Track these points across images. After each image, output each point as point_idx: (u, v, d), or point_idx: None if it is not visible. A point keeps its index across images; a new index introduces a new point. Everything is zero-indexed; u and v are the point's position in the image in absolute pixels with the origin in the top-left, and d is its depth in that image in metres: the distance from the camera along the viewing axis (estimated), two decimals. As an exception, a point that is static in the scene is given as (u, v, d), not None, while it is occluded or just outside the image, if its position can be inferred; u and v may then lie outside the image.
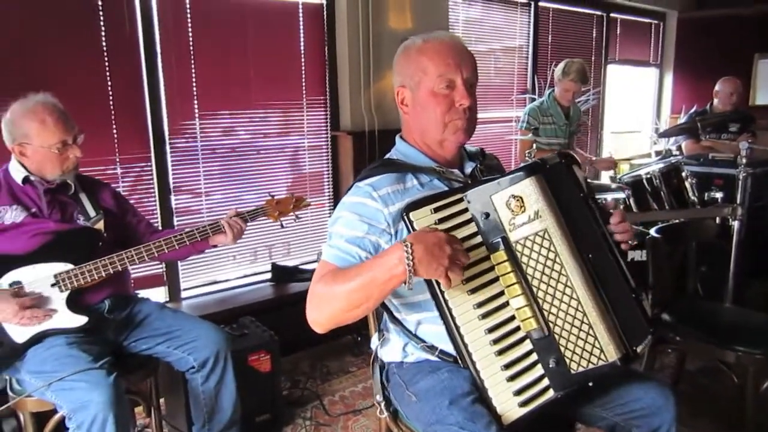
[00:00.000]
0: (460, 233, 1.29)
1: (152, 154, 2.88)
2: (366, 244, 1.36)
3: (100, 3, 2.63)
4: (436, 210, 1.29)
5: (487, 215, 1.30)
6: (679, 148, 4.38)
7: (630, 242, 1.43)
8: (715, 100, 4.40)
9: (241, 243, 3.18)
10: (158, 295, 3.01)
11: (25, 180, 1.97)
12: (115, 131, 2.75)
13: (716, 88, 4.38)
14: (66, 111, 1.97)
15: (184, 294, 3.10)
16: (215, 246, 2.24)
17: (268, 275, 3.36)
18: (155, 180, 2.91)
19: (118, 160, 2.78)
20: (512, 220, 1.29)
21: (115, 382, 1.75)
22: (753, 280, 3.27)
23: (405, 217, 1.28)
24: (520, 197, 1.28)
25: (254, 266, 3.36)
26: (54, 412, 1.86)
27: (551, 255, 1.28)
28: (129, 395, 1.93)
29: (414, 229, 1.26)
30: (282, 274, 3.36)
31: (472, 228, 1.31)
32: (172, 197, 2.98)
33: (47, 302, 1.89)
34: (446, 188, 1.43)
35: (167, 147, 2.92)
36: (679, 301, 2.41)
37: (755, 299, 3.15)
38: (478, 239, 1.31)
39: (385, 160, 1.52)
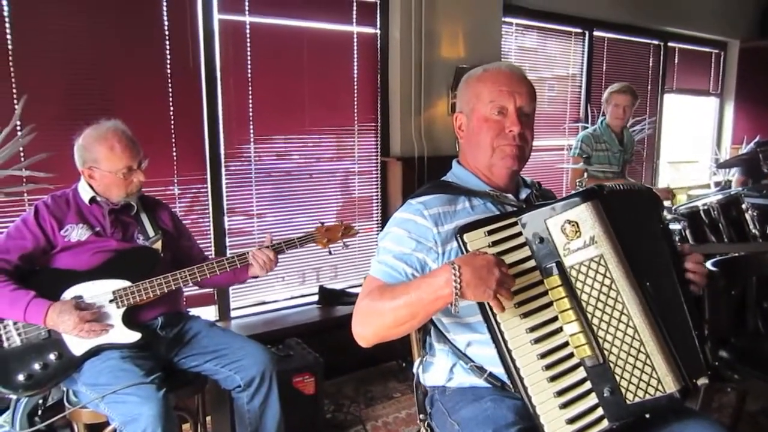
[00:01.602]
0: (514, 257, 1.28)
1: (208, 176, 2.97)
2: (413, 261, 1.37)
3: (167, 32, 2.76)
4: (490, 233, 1.29)
5: (542, 239, 1.29)
6: (741, 179, 4.24)
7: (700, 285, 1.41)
8: (780, 131, 4.25)
9: (290, 266, 3.25)
10: (209, 313, 3.07)
11: (92, 200, 2.06)
12: (174, 153, 2.85)
13: (780, 118, 4.23)
14: (133, 137, 2.06)
15: (233, 313, 3.15)
16: (256, 277, 2.27)
17: (316, 298, 3.38)
18: (210, 201, 2.99)
19: (176, 181, 2.87)
20: (567, 245, 1.27)
21: (165, 397, 1.79)
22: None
23: (459, 239, 1.28)
24: (576, 222, 1.26)
25: (302, 288, 3.39)
26: (107, 424, 1.90)
27: (607, 281, 1.25)
28: (177, 411, 1.96)
29: (467, 251, 1.26)
30: (329, 297, 3.37)
31: (525, 252, 1.30)
32: (225, 218, 3.05)
33: (105, 317, 1.96)
34: (499, 212, 1.43)
35: (222, 169, 3.01)
36: (738, 338, 2.29)
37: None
38: (532, 263, 1.29)
39: (440, 181, 1.55)
